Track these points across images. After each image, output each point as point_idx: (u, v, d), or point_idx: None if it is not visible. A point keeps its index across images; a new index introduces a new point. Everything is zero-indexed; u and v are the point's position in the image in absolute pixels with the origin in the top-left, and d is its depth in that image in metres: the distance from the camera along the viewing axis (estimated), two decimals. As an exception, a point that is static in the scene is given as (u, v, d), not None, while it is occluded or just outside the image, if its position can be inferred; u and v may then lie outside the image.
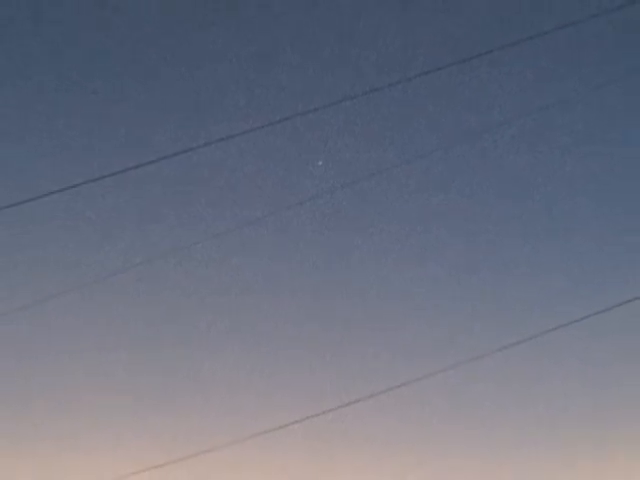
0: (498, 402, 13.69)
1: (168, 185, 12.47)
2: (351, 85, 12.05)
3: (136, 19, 12.79)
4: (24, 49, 12.98)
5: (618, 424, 14.19)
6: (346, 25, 12.98)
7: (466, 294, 13.97)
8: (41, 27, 12.69)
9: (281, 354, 13.84)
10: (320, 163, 12.25)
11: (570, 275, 13.80)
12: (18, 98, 13.29)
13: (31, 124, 12.88)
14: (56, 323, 12.38)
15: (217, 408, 13.88)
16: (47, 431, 13.16)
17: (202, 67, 13.21)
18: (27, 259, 12.90)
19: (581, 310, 11.36)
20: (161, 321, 13.73)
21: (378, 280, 13.96)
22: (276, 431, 10.70)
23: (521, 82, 12.09)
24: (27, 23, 12.67)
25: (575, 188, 13.91)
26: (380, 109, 12.10)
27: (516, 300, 13.45)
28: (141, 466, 11.81)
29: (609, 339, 13.25)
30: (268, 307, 13.73)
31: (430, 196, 13.44)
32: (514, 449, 13.55)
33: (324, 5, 12.83)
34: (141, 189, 12.16)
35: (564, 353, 13.01)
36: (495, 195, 13.88)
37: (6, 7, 12.24)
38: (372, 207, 13.51)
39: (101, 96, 13.16)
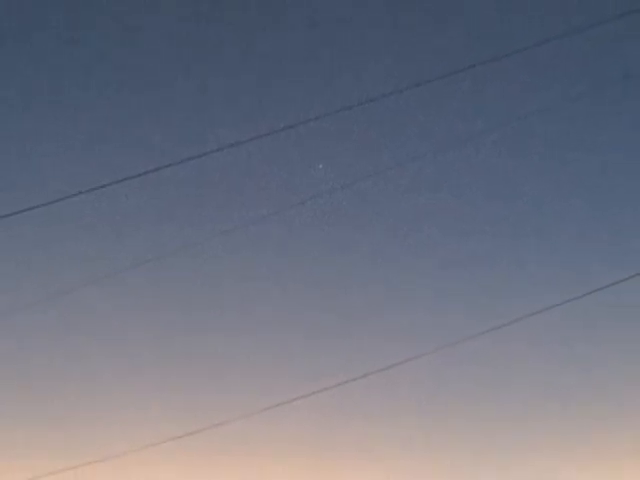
0: (481, 381, 14.67)
1: (183, 186, 13.32)
2: (349, 96, 12.88)
3: (155, 36, 13.70)
4: (56, 64, 13.93)
5: (596, 403, 15.18)
6: (344, 42, 13.86)
7: (453, 284, 14.88)
8: (74, 47, 13.66)
9: (286, 338, 14.79)
10: (320, 166, 12.97)
11: (549, 266, 14.75)
12: (50, 108, 14.23)
13: (61, 131, 13.81)
14: (83, 311, 13.29)
15: (228, 386, 14.87)
16: (77, 408, 14.23)
17: (214, 80, 14.11)
18: (56, 254, 13.83)
19: (559, 297, 12.35)
20: (177, 309, 14.68)
21: (373, 272, 14.86)
22: (281, 406, 11.39)
23: (502, 93, 12.93)
24: (61, 43, 13.61)
25: (552, 188, 14.82)
26: (375, 117, 12.88)
27: (499, 289, 14.38)
28: (160, 438, 12.77)
29: (585, 324, 14.22)
30: (273, 296, 14.64)
31: (421, 196, 14.30)
32: (496, 424, 14.57)
33: (325, 24, 13.72)
34: (159, 190, 13.00)
35: (544, 336, 13.95)
36: (480, 195, 14.78)
37: (41, 30, 13.18)
38: (368, 206, 14.36)
39: (125, 108, 14.08)
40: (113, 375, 14.12)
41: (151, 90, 13.89)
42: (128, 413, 14.26)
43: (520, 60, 11.53)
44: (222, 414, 12.75)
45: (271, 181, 13.60)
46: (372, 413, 14.88)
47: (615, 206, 15.18)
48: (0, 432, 14.74)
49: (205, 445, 12.74)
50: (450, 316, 14.24)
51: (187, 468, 13.55)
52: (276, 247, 14.95)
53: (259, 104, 13.43)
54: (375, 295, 14.65)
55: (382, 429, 14.43)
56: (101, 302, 13.17)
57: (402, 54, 13.56)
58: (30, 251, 14.27)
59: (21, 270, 14.10)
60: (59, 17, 13.63)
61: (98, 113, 13.86)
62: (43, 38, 13.79)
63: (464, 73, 10.65)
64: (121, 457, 12.85)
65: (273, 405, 11.23)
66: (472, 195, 15.22)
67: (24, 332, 13.50)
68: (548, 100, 13.49)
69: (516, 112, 13.41)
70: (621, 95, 12.96)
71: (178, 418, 13.10)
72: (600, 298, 11.50)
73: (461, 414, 14.81)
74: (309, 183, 12.44)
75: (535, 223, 14.82)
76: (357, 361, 13.18)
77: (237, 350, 14.49)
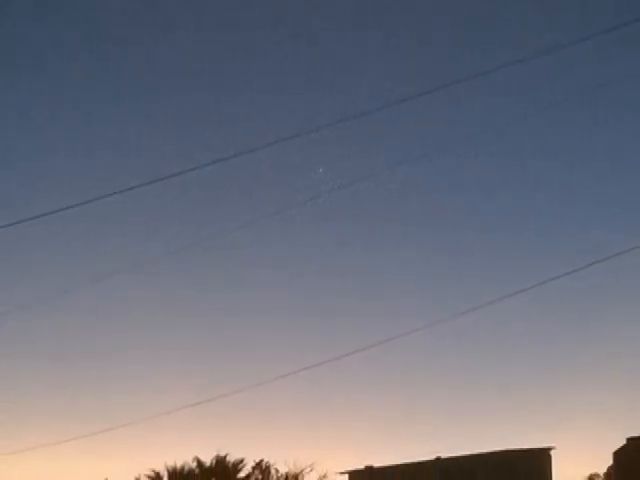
0: (460, 354, 16.35)
1: (203, 187, 14.83)
2: (345, 109, 14.35)
3: (179, 58, 15.26)
4: (89, 85, 15.54)
5: (559, 374, 16.82)
6: (342, 63, 15.42)
7: (435, 271, 16.49)
8: (107, 64, 15.24)
9: (291, 317, 16.48)
10: (321, 170, 14.32)
11: (516, 257, 16.43)
12: (86, 122, 15.83)
13: (97, 142, 15.41)
14: (117, 294, 14.83)
15: (241, 359, 16.54)
16: (112, 375, 16.04)
17: (232, 97, 15.71)
18: (94, 246, 15.37)
19: (525, 283, 13.85)
20: (197, 292, 16.29)
21: (366, 260, 16.53)
22: (287, 377, 12.74)
23: (477, 106, 14.31)
24: (96, 61, 15.15)
25: (522, 188, 16.42)
26: (368, 128, 14.32)
27: (474, 276, 15.98)
28: (179, 404, 14.23)
29: (546, 307, 15.88)
30: (279, 281, 16.29)
31: (409, 195, 15.89)
32: (472, 391, 16.32)
33: (325, 51, 15.29)
34: (183, 190, 14.45)
35: (513, 316, 15.56)
36: (461, 193, 16.38)
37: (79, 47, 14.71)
38: (363, 204, 15.94)
39: (155, 121, 15.69)
40: (145, 349, 15.80)
41: (178, 106, 15.52)
42: (151, 381, 16.00)
43: (488, 79, 12.80)
44: (235, 383, 14.27)
45: (278, 182, 15.09)
46: (367, 381, 16.49)
47: (574, 205, 16.89)
48: (41, 398, 16.50)
49: (220, 410, 14.24)
50: (433, 298, 15.90)
51: (203, 432, 15.15)
52: (283, 238, 16.54)
53: (268, 116, 15.01)
54: (367, 280, 16.39)
55: (377, 397, 16.12)
56: (132, 286, 14.76)
57: (390, 75, 15.14)
58: (71, 243, 15.83)
59: (66, 258, 15.68)
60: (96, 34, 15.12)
61: (130, 126, 15.45)
62: (81, 56, 15.39)
63: (444, 90, 11.81)
64: (154, 419, 14.27)
65: (278, 376, 12.26)
66: (452, 193, 16.85)
67: (66, 313, 15.07)
68: (521, 110, 15.02)
69: (491, 122, 14.91)
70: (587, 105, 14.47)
71: (197, 386, 14.57)
72: (561, 284, 12.86)
73: (448, 382, 16.47)
74: (311, 184, 13.87)
75: (505, 218, 16.56)
76: (354, 337, 14.76)
77: (248, 327, 16.17)
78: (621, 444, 13.14)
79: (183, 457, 15.63)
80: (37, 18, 16.47)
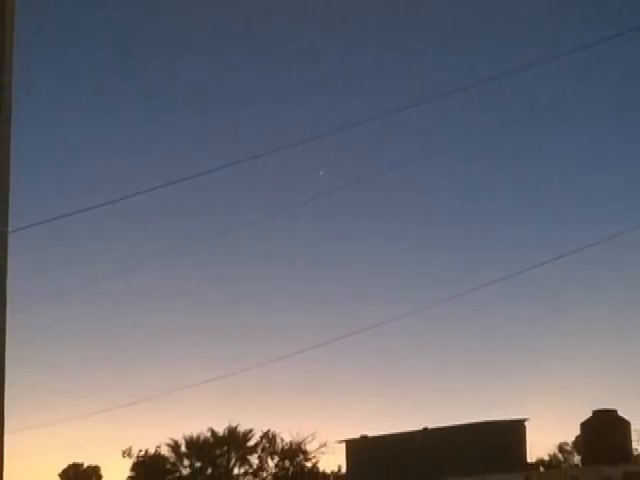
0: (442, 338, 17.61)
1: (217, 188, 15.92)
2: (341, 119, 15.53)
3: (201, 79, 16.39)
4: (119, 98, 16.55)
5: (534, 355, 18.07)
6: (340, 79, 16.64)
7: (419, 264, 17.72)
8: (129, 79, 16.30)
9: (294, 303, 17.68)
10: (321, 173, 15.40)
11: (493, 251, 17.72)
12: (116, 132, 16.97)
13: (123, 150, 16.49)
14: (143, 280, 15.90)
15: (251, 341, 17.69)
16: (136, 354, 17.20)
17: (241, 109, 16.90)
18: (121, 240, 16.43)
19: (497, 274, 15.02)
20: (210, 282, 17.50)
21: (361, 253, 17.80)
22: (291, 357, 13.73)
23: (459, 118, 15.37)
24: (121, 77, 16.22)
25: (499, 190, 17.68)
26: (362, 136, 15.41)
27: (456, 267, 17.23)
28: (193, 381, 15.12)
29: (521, 295, 17.13)
30: (282, 272, 17.51)
31: (400, 194, 17.10)
32: (455, 370, 17.56)
33: (326, 69, 16.47)
34: (199, 191, 15.52)
35: (491, 303, 16.77)
36: (445, 194, 17.64)
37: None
38: (359, 203, 17.18)
39: (173, 130, 16.77)
40: (160, 333, 17.01)
41: (195, 117, 16.68)
42: (176, 362, 17.16)
43: (468, 94, 13.88)
44: (244, 362, 15.40)
45: (284, 184, 16.21)
46: (363, 361, 17.70)
47: (540, 204, 18.21)
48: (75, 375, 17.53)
49: (231, 387, 15.41)
50: (417, 286, 17.16)
51: (217, 405, 16.20)
52: (288, 233, 17.76)
53: (275, 127, 16.21)
54: (360, 271, 17.61)
55: (372, 374, 17.27)
56: (154, 275, 15.88)
57: (379, 89, 16.37)
58: (102, 238, 16.92)
59: (98, 251, 16.77)
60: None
61: (153, 135, 16.58)
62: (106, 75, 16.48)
63: (431, 103, 12.92)
64: (173, 394, 15.10)
65: (283, 356, 13.12)
66: (437, 194, 18.12)
67: (98, 299, 16.07)
68: (494, 121, 16.18)
69: (471, 131, 16.10)
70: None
71: (208, 366, 15.65)
72: (535, 273, 13.95)
73: (435, 362, 17.70)
74: (312, 185, 15.02)
75: (481, 216, 17.82)
76: (350, 320, 15.92)
77: (257, 311, 17.38)
78: (587, 416, 13.77)
79: (199, 428, 16.70)
80: (73, 41, 17.69)
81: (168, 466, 16.21)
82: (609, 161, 19.88)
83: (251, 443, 16.22)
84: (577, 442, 16.43)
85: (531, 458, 15.64)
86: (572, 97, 15.24)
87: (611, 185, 19.32)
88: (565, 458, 18.01)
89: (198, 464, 16.03)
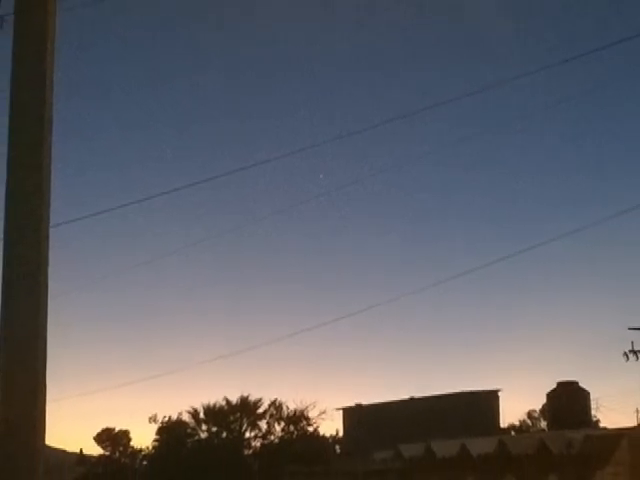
0: (427, 319, 19.25)
1: (231, 189, 17.51)
2: (340, 129, 17.06)
3: (217, 94, 17.99)
4: (145, 109, 18.18)
5: (507, 332, 19.52)
6: (338, 93, 18.22)
7: (405, 255, 19.30)
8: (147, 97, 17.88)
9: (298, 289, 19.33)
10: (321, 176, 16.95)
11: (466, 243, 19.24)
12: (143, 140, 18.68)
13: (150, 154, 18.12)
14: (168, 273, 17.45)
15: (261, 321, 19.42)
16: (161, 333, 18.77)
17: (252, 120, 18.56)
18: (142, 235, 17.91)
19: (474, 264, 16.62)
20: (225, 271, 19.15)
21: (357, 244, 19.36)
22: (294, 335, 15.27)
23: (436, 128, 16.66)
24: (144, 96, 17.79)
25: (473, 191, 19.18)
26: (358, 144, 16.86)
27: (439, 258, 18.71)
28: (210, 356, 16.70)
29: (492, 282, 18.62)
30: (288, 262, 19.13)
31: (394, 194, 18.67)
32: (439, 347, 19.08)
33: (325, 85, 18.04)
34: (215, 192, 17.09)
35: (465, 291, 18.26)
36: (428, 194, 19.21)
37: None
38: (356, 202, 18.73)
39: (192, 137, 18.48)
40: (183, 314, 18.66)
41: (212, 126, 18.31)
42: (195, 340, 18.68)
43: (449, 108, 15.29)
44: (253, 339, 16.89)
45: (289, 185, 17.77)
46: (363, 342, 19.30)
47: (511, 201, 19.70)
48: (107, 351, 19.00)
49: (243, 363, 16.94)
50: (407, 271, 18.67)
51: (231, 377, 17.72)
52: (293, 229, 19.38)
53: (280, 135, 17.78)
54: (357, 260, 19.33)
55: (370, 355, 18.79)
56: (177, 266, 17.50)
57: (372, 101, 17.86)
58: (130, 233, 18.48)
59: (127, 243, 18.36)
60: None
61: (175, 142, 18.20)
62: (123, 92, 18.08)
63: (418, 114, 14.37)
64: (193, 368, 16.37)
65: (290, 334, 14.54)
66: (428, 194, 19.71)
67: (131, 286, 17.54)
68: (476, 132, 17.66)
69: (453, 138, 17.59)
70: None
71: (223, 341, 17.19)
72: (506, 262, 15.31)
73: (422, 340, 19.22)
74: (313, 186, 16.59)
75: (461, 213, 19.28)
76: (348, 303, 17.44)
77: (265, 294, 18.99)
78: (553, 387, 15.12)
79: (215, 397, 18.18)
80: (103, 59, 19.23)
81: (188, 430, 17.44)
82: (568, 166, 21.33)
83: (260, 410, 17.31)
84: (544, 410, 17.46)
85: (504, 424, 17.25)
86: (537, 110, 16.67)
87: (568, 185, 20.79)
88: (533, 423, 19.37)
89: (214, 429, 17.20)
